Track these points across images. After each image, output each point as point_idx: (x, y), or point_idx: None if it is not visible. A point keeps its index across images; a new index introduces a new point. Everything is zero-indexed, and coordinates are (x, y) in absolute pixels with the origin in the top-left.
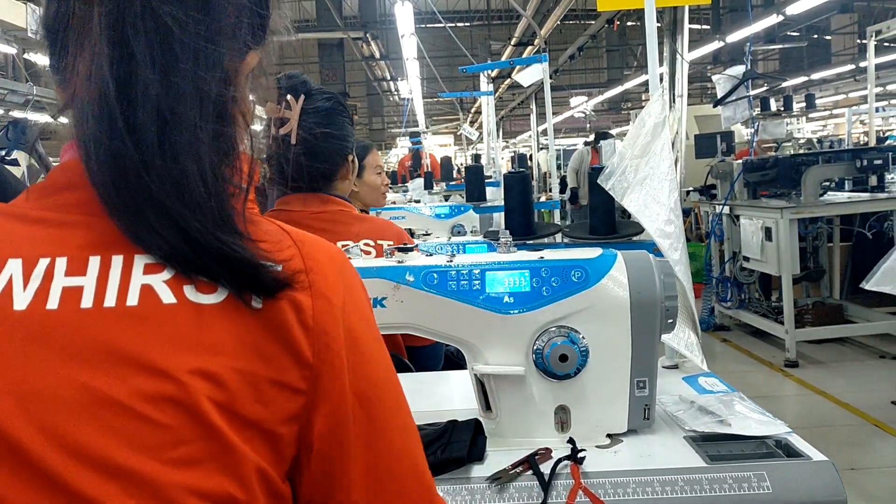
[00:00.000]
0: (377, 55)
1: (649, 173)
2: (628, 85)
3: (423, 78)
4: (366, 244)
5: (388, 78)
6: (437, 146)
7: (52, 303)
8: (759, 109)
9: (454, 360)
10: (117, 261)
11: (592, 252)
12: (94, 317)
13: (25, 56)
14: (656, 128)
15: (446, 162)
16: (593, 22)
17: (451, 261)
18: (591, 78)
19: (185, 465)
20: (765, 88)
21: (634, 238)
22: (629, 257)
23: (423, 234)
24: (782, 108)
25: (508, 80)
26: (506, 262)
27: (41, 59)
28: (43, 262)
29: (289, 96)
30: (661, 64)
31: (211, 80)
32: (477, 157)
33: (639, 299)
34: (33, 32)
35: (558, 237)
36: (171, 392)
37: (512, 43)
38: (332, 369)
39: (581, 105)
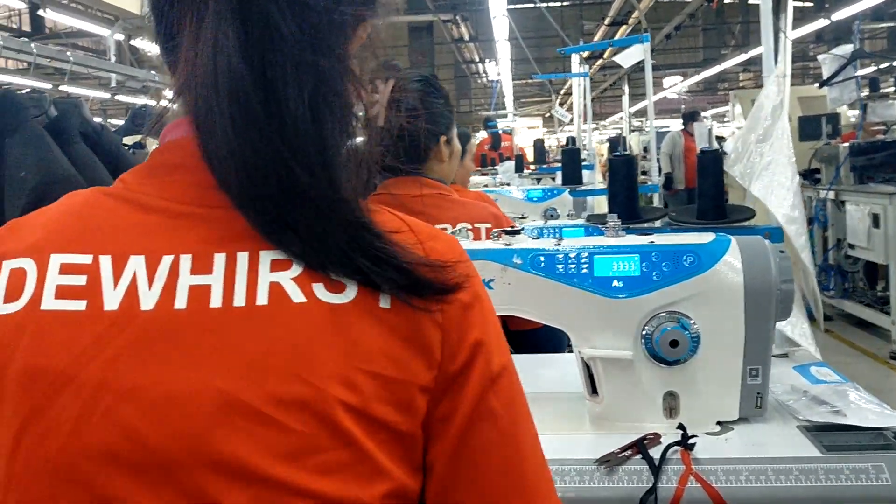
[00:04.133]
0: (466, 37)
1: (773, 158)
2: (726, 64)
3: (513, 59)
4: (463, 226)
5: (477, 60)
6: (525, 128)
7: (180, 302)
8: (867, 90)
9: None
10: (242, 257)
11: (705, 237)
12: (224, 317)
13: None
14: (775, 110)
15: (539, 145)
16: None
17: (559, 244)
18: (685, 57)
19: (321, 473)
20: (874, 69)
21: (744, 223)
22: (743, 243)
23: (520, 218)
24: (893, 89)
25: (601, 60)
26: (615, 246)
27: (146, 45)
28: (167, 259)
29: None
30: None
31: (343, 56)
32: (571, 140)
33: (753, 285)
34: (148, 21)
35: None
36: (305, 397)
37: (606, 23)
38: (461, 368)
39: (675, 86)
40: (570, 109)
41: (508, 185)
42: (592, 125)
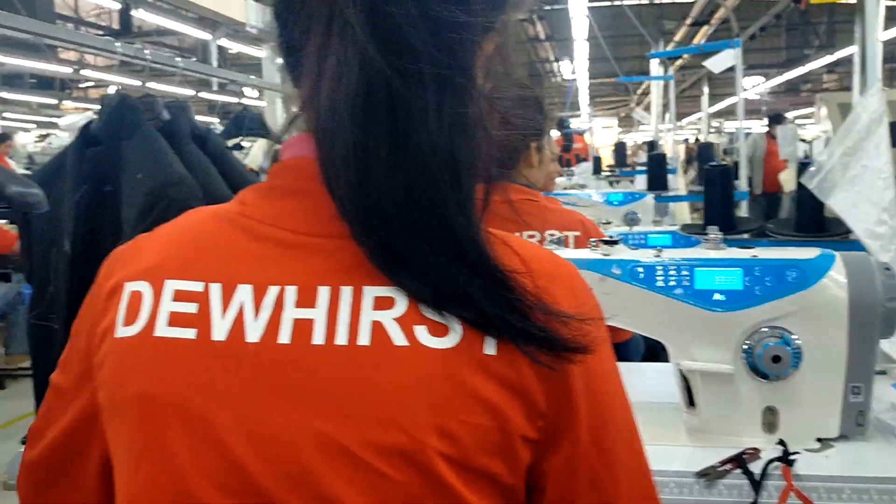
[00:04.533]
0: (542, 36)
1: (860, 172)
2: (811, 66)
3: (590, 59)
4: (550, 234)
5: (552, 59)
6: (601, 129)
7: (284, 336)
8: None
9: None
10: (346, 292)
11: (809, 252)
12: (326, 355)
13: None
14: (872, 124)
15: (620, 147)
16: None
17: (659, 255)
18: (767, 58)
19: None
20: None
21: (843, 237)
22: (849, 259)
23: (604, 223)
24: None
25: (680, 60)
26: (717, 259)
27: (235, 46)
28: (273, 290)
29: None
30: (851, 44)
31: (473, 72)
32: (652, 144)
33: (858, 302)
34: (251, 27)
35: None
36: (403, 446)
37: (687, 23)
38: (567, 417)
39: (756, 87)
40: (646, 109)
41: (584, 186)
42: (669, 126)
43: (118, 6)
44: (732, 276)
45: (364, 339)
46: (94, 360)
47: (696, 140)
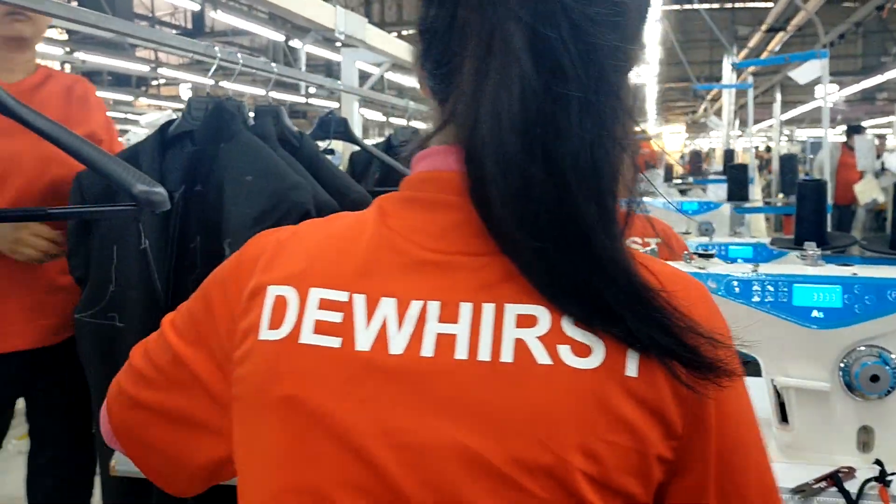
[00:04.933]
0: None
1: None
2: (889, 75)
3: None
4: (633, 241)
5: None
6: (669, 134)
7: (427, 350)
8: None
9: None
10: (488, 309)
11: None
12: (469, 370)
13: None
14: None
15: (695, 155)
16: (853, 4)
17: (756, 270)
18: (842, 65)
19: None
20: None
21: None
22: None
23: (683, 233)
24: None
25: (750, 67)
26: (816, 276)
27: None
28: (416, 305)
29: None
30: None
31: (623, 95)
32: (730, 153)
33: None
34: (339, 33)
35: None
36: (548, 464)
37: (762, 29)
38: (701, 438)
39: (831, 94)
40: (717, 114)
41: (653, 194)
42: (738, 132)
43: (193, 6)
44: (832, 293)
45: (507, 356)
46: (234, 354)
47: (767, 148)
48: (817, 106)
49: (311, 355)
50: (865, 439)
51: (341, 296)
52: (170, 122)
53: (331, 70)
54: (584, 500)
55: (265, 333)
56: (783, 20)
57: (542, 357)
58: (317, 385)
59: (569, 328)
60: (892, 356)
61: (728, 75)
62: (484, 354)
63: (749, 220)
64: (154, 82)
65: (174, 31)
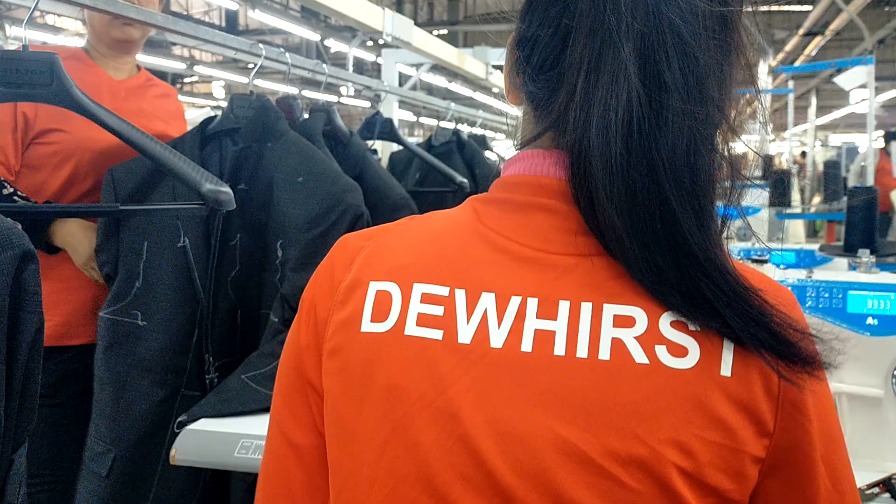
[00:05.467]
0: None
1: None
2: None
3: None
4: None
5: None
6: None
7: (526, 345)
8: None
9: None
10: (586, 308)
11: None
12: (567, 366)
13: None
14: None
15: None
16: (891, 8)
17: (811, 275)
18: (879, 69)
19: None
20: None
21: None
22: None
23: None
24: None
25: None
26: (871, 283)
27: (336, 46)
28: (515, 300)
29: None
30: None
31: (722, 104)
32: (770, 158)
33: None
34: (387, 35)
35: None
36: (642, 456)
37: (800, 32)
38: (798, 436)
39: (866, 100)
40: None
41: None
42: (771, 137)
43: (231, 5)
44: (886, 300)
45: (605, 353)
46: (325, 346)
47: (802, 153)
48: (852, 111)
49: (415, 346)
50: None
51: (443, 290)
52: (209, 119)
53: (362, 68)
54: (677, 493)
55: (368, 326)
56: (821, 24)
57: (639, 356)
58: (421, 375)
59: (665, 330)
60: None
61: (764, 79)
62: (582, 351)
63: (787, 226)
64: (187, 79)
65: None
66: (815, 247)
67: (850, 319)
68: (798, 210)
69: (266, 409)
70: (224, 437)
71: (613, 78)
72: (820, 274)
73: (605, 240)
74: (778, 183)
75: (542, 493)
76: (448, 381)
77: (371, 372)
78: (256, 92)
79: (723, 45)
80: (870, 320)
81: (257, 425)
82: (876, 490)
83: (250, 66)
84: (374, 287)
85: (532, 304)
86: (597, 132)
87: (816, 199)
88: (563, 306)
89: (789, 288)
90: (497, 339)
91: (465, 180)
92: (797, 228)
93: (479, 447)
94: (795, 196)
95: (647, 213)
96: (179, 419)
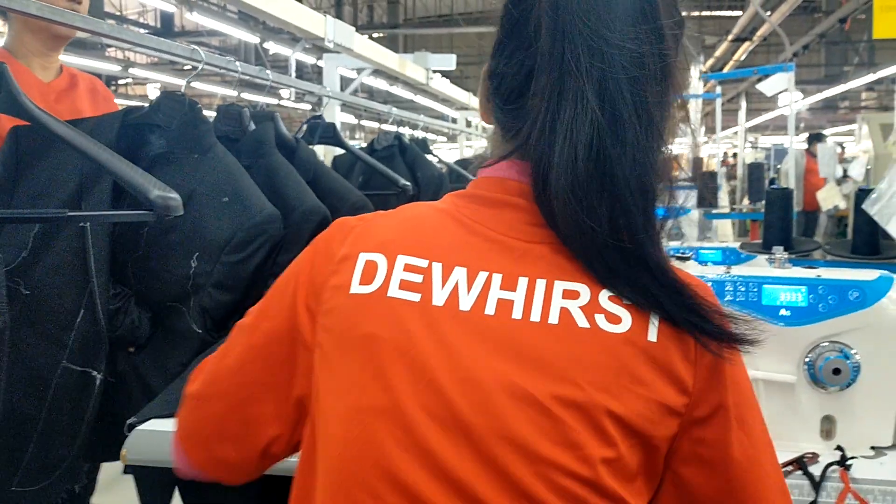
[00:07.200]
0: None
1: None
2: (853, 84)
3: None
4: None
5: None
6: None
7: (490, 309)
8: None
9: None
10: (541, 283)
11: (869, 274)
12: (522, 326)
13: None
14: None
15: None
16: (817, 15)
17: (729, 272)
18: (805, 74)
19: (585, 462)
20: None
21: None
22: None
23: None
24: None
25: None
26: (784, 278)
27: (275, 48)
28: (482, 274)
29: None
30: (893, 62)
31: (664, 130)
32: (699, 160)
33: None
34: (329, 41)
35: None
36: (579, 400)
37: (729, 38)
38: (715, 396)
39: (794, 103)
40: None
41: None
42: (703, 139)
43: (166, 6)
44: (798, 293)
45: (554, 319)
46: (321, 307)
47: (733, 154)
48: (781, 114)
49: (395, 305)
50: (828, 428)
51: (422, 262)
52: (132, 109)
53: (302, 71)
54: (606, 431)
55: (356, 288)
56: (749, 30)
57: (581, 321)
58: (398, 328)
59: (604, 302)
60: (853, 351)
61: (695, 84)
62: (535, 316)
63: (716, 225)
64: (122, 81)
65: (143, 31)
66: (732, 246)
67: (765, 311)
68: (725, 210)
69: None
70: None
71: (575, 107)
72: (738, 270)
73: (562, 235)
74: (705, 184)
75: (495, 428)
76: (421, 335)
77: (354, 325)
78: (192, 94)
79: (664, 86)
80: (783, 311)
81: None
82: (790, 468)
83: (186, 67)
84: (363, 257)
85: (497, 278)
86: (561, 154)
87: (746, 200)
88: (522, 281)
89: (709, 283)
90: (466, 303)
91: (409, 183)
92: (726, 228)
93: (445, 389)
94: (725, 197)
95: (601, 218)
96: (129, 421)
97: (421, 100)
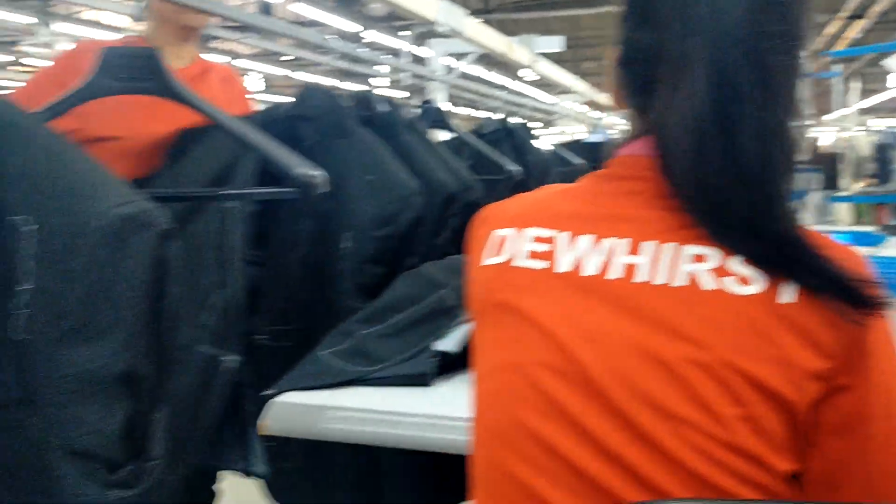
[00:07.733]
0: None
1: None
2: None
3: None
4: None
5: None
6: None
7: (614, 274)
8: None
9: None
10: (668, 248)
11: None
12: (648, 289)
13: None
14: None
15: None
16: None
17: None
18: None
19: (721, 423)
20: None
21: None
22: None
23: None
24: None
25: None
26: None
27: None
28: (606, 242)
29: None
30: None
31: (791, 100)
32: (814, 143)
33: None
34: (440, 26)
35: None
36: (707, 361)
37: (842, 15)
38: (860, 363)
39: None
40: None
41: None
42: (812, 122)
43: None
44: None
45: (680, 282)
46: (469, 281)
47: (847, 139)
48: (893, 96)
49: (524, 273)
50: None
51: (550, 233)
52: (274, 107)
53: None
54: (737, 392)
55: (487, 260)
56: (861, 8)
57: (708, 284)
58: (527, 293)
59: (734, 266)
60: None
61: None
62: (661, 279)
63: (837, 209)
64: None
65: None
66: (866, 229)
67: None
68: (848, 193)
69: (349, 383)
70: (309, 409)
71: (693, 89)
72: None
73: (689, 201)
74: (827, 167)
75: (623, 385)
76: (549, 299)
77: (488, 293)
78: (290, 84)
79: (790, 52)
80: None
81: (337, 398)
82: None
83: (284, 58)
84: (496, 234)
85: (624, 243)
86: (674, 129)
87: (861, 184)
88: (650, 245)
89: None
90: (589, 269)
91: (518, 167)
92: (845, 211)
93: (572, 348)
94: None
95: (720, 187)
96: (264, 392)
97: (518, 86)
